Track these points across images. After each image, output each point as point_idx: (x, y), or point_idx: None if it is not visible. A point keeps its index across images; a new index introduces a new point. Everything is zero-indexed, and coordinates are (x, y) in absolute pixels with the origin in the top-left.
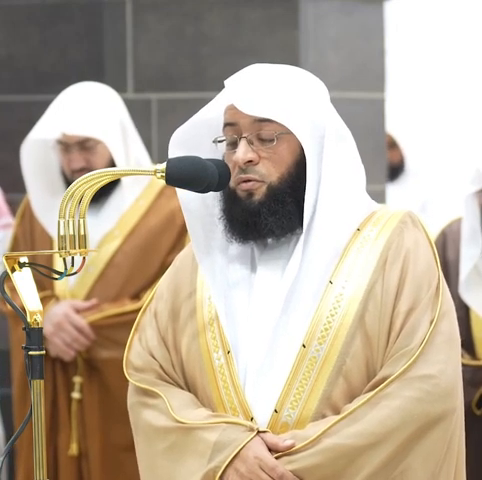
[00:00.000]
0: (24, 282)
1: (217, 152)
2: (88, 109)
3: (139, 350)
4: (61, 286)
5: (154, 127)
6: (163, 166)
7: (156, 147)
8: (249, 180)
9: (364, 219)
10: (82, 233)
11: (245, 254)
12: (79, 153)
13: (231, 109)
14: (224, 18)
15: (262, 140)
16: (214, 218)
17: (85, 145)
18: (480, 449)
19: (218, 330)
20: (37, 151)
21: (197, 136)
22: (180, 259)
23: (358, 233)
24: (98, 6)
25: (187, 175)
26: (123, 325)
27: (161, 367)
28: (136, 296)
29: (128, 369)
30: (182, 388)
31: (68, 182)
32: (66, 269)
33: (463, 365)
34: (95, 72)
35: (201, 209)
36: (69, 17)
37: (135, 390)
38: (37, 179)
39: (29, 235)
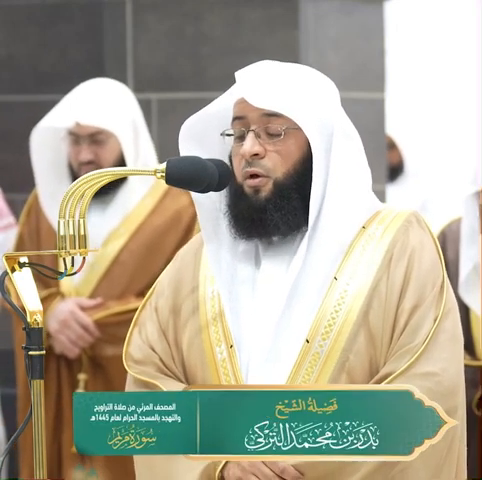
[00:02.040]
0: (24, 282)
1: (225, 145)
2: (103, 102)
3: (139, 343)
4: (66, 283)
5: (154, 127)
6: (163, 166)
7: (156, 147)
8: (256, 175)
9: (369, 217)
10: (82, 233)
11: (250, 250)
12: (88, 146)
13: (240, 103)
14: (224, 18)
15: (270, 134)
16: (220, 213)
17: (96, 138)
18: (481, 450)
19: (221, 325)
20: (48, 139)
21: (206, 129)
22: (181, 255)
23: (363, 231)
24: (98, 6)
25: (187, 175)
26: (128, 323)
27: (161, 360)
28: (141, 294)
29: (127, 361)
30: (182, 382)
31: (74, 175)
32: (66, 269)
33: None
34: (95, 72)
35: (208, 202)
36: (69, 17)
37: (134, 382)
38: (46, 166)
39: (35, 233)
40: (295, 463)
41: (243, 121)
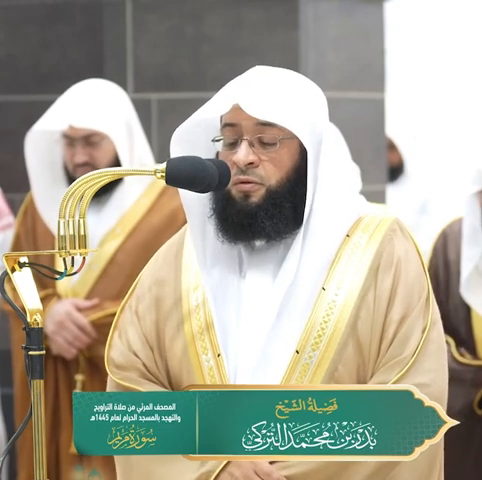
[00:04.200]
0: (24, 282)
1: (214, 151)
2: (96, 104)
3: (120, 348)
4: (63, 284)
5: (154, 127)
6: (163, 166)
7: (156, 147)
8: (248, 182)
9: (352, 225)
10: (82, 233)
11: (232, 256)
12: (83, 148)
13: (233, 110)
14: (224, 18)
15: (263, 143)
16: (206, 217)
17: (90, 140)
18: None
19: (208, 334)
20: (42, 142)
21: (197, 134)
22: (162, 257)
23: (348, 239)
24: (98, 6)
25: (187, 175)
26: None
27: (144, 365)
28: None
29: (109, 366)
30: (165, 387)
31: (70, 177)
32: (66, 269)
33: (465, 365)
34: (95, 72)
35: (200, 208)
36: (69, 17)
37: (116, 387)
38: (40, 169)
39: (31, 233)
40: (288, 474)
41: (235, 128)
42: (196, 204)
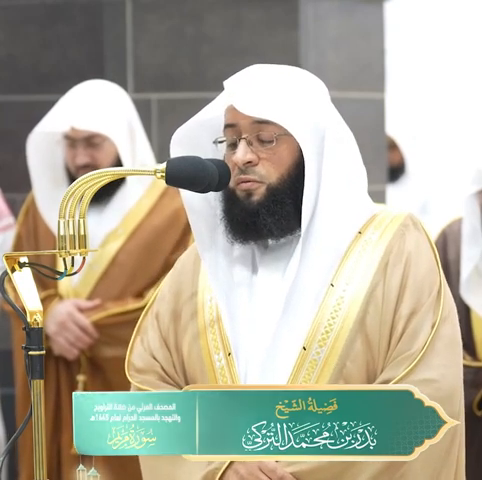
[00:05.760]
0: (24, 282)
1: (218, 152)
2: (97, 105)
3: (141, 352)
4: (64, 285)
5: (154, 127)
6: (163, 166)
7: (156, 147)
8: (248, 180)
9: (365, 222)
10: (82, 233)
11: (246, 255)
12: (84, 149)
13: (231, 110)
14: (224, 18)
15: (261, 141)
16: (217, 219)
17: (91, 141)
18: None
19: (219, 332)
20: (44, 143)
21: (198, 136)
22: (182, 261)
23: (360, 236)
24: (98, 6)
25: (187, 175)
26: (126, 323)
27: (163, 369)
28: (139, 295)
29: (130, 371)
30: None
31: (72, 178)
32: (66, 269)
33: (464, 366)
34: (95, 72)
35: (205, 209)
36: (69, 17)
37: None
38: (42, 170)
39: (32, 233)
40: (293, 471)
41: (234, 129)
42: (202, 205)
